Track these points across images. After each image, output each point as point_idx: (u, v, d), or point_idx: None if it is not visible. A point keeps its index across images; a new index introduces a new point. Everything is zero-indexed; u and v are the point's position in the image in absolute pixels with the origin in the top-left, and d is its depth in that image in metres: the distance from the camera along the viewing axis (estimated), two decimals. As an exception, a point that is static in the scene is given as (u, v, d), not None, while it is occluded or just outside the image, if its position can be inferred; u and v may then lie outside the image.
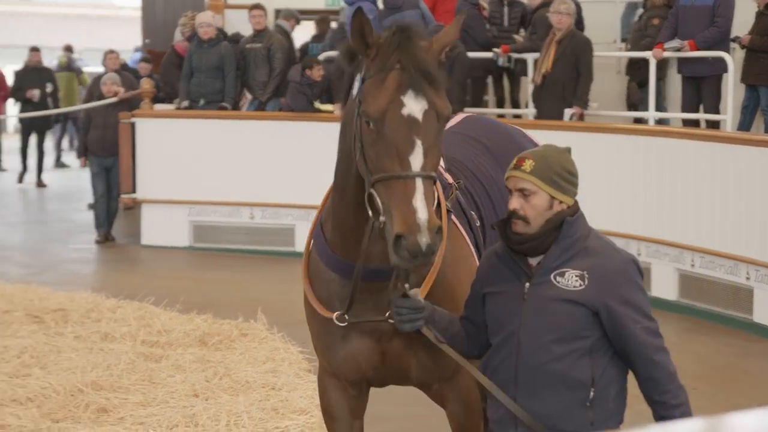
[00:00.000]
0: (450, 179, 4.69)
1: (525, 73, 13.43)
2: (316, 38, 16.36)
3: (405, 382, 4.58)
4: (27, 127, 20.32)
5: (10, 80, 20.83)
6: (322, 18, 17.34)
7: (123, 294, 10.31)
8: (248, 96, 14.30)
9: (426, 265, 4.01)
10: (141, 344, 8.68)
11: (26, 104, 19.73)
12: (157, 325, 9.17)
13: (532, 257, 4.06)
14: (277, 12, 17.12)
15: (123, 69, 16.61)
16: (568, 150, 4.13)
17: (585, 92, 12.05)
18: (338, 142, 4.30)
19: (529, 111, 12.92)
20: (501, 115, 13.80)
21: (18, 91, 19.95)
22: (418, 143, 3.90)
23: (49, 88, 20.17)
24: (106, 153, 13.91)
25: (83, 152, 14.39)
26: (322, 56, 14.18)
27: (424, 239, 3.75)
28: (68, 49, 23.06)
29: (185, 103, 13.97)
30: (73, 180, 20.39)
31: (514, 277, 4.08)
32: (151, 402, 7.23)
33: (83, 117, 14.84)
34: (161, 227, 13.64)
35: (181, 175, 13.48)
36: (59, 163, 23.28)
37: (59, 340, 8.74)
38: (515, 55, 13.39)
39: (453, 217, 4.57)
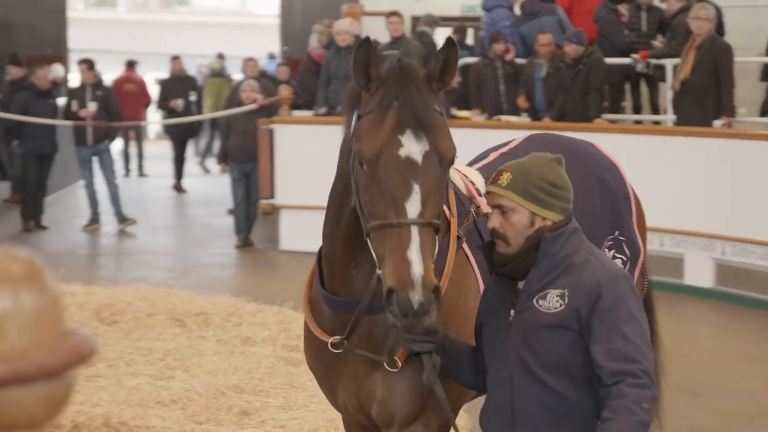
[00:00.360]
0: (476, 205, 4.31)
1: (663, 79, 13.26)
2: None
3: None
4: (173, 135, 20.60)
5: (152, 88, 21.26)
6: (459, 26, 17.38)
7: (262, 298, 10.43)
8: (385, 103, 14.40)
9: (420, 327, 3.50)
10: (281, 348, 8.78)
11: (171, 112, 20.10)
12: (297, 329, 9.25)
13: (520, 281, 3.71)
14: (414, 19, 17.20)
15: (262, 76, 16.85)
16: (557, 160, 3.72)
17: (729, 100, 11.83)
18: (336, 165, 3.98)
19: (668, 117, 12.76)
20: (638, 121, 13.67)
21: (163, 101, 20.35)
22: (416, 188, 3.55)
23: (192, 96, 20.54)
24: (246, 159, 14.10)
25: (223, 158, 14.64)
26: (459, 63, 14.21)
27: (416, 297, 3.38)
28: (221, 56, 23.40)
29: (323, 110, 14.11)
30: (213, 186, 20.72)
31: (502, 305, 3.75)
32: (292, 406, 7.31)
33: (223, 124, 15.08)
34: (299, 232, 13.79)
35: (319, 181, 13.50)
36: (203, 168, 23.58)
37: (201, 344, 8.90)
38: (654, 61, 13.23)
39: (465, 245, 4.16)
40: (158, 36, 38.78)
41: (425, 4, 17.97)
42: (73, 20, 27.45)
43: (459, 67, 13.90)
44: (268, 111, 14.24)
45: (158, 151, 24.62)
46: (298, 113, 14.45)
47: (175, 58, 20.94)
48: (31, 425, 1.33)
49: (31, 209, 15.31)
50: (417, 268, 3.42)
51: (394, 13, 14.44)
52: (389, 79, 3.67)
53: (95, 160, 15.28)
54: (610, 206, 4.79)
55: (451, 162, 3.67)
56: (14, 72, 16.54)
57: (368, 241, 3.60)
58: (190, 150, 21.89)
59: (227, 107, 15.38)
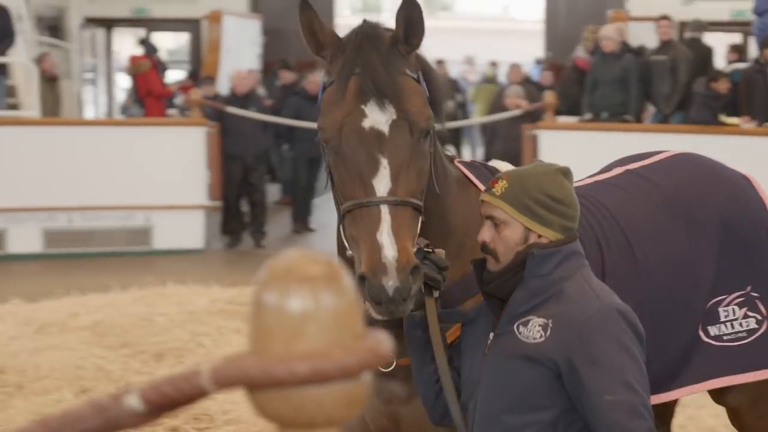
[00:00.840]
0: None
1: None
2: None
3: None
4: (439, 140, 20.78)
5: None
6: (735, 46, 16.97)
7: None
8: (651, 108, 14.15)
9: (400, 314, 3.15)
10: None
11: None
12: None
13: (506, 301, 3.28)
14: (681, 24, 16.85)
15: (526, 82, 16.84)
16: (562, 171, 3.27)
17: None
18: None
19: None
20: None
21: (429, 105, 20.57)
22: (384, 162, 3.20)
23: (458, 98, 20.70)
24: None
25: (486, 163, 14.70)
26: (728, 68, 13.83)
27: (390, 282, 3.04)
28: (493, 63, 23.55)
29: (588, 116, 14.00)
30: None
31: (485, 327, 3.32)
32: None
33: (488, 129, 15.14)
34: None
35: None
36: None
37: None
38: None
39: None
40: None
41: (693, 8, 17.59)
42: (341, 26, 28.05)
43: (728, 73, 13.59)
44: (532, 116, 14.22)
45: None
46: (562, 119, 14.37)
47: (439, 62, 21.16)
48: (329, 424, 1.37)
49: (301, 211, 15.74)
50: (389, 250, 3.08)
51: (665, 17, 14.20)
52: (349, 45, 3.33)
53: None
54: (740, 257, 4.04)
55: (425, 130, 3.30)
56: (286, 77, 17.03)
57: (341, 227, 3.31)
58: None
59: (492, 112, 15.44)
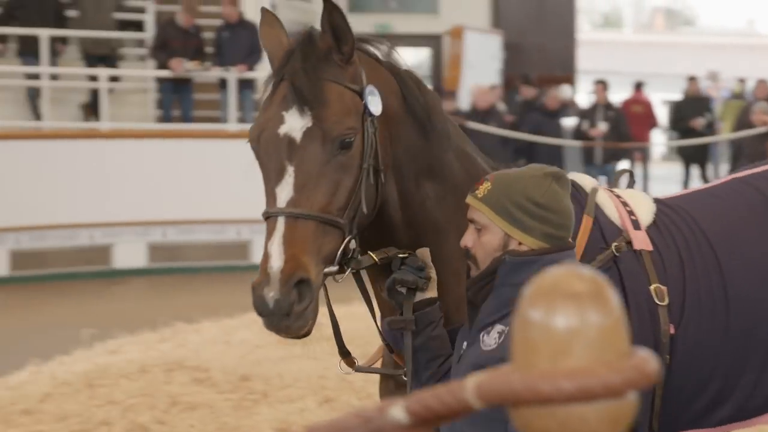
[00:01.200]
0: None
1: None
2: None
3: None
4: (687, 157, 20.40)
5: (659, 110, 21.17)
6: None
7: None
8: None
9: (288, 332, 3.03)
10: None
11: (687, 133, 19.91)
12: None
13: None
14: None
15: (774, 98, 16.34)
16: (553, 175, 3.06)
17: None
18: None
19: None
20: None
21: (679, 121, 20.20)
22: (289, 170, 3.08)
23: (707, 117, 20.26)
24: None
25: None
26: None
27: (271, 293, 2.94)
28: (741, 80, 23.00)
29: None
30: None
31: (464, 336, 3.17)
32: None
33: (734, 146, 14.76)
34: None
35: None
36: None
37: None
38: None
39: None
40: (664, 57, 38.57)
41: None
42: (581, 42, 27.85)
43: None
44: (781, 133, 13.78)
45: (663, 172, 24.51)
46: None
47: (692, 79, 20.73)
48: (591, 441, 1.35)
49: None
50: (275, 261, 2.96)
51: None
52: (286, 51, 3.24)
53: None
54: None
55: (340, 139, 3.11)
56: (526, 92, 17.03)
57: None
58: (696, 172, 21.61)
59: (738, 129, 15.04)
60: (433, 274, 3.31)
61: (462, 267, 3.26)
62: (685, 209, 3.75)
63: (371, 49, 3.42)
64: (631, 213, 3.61)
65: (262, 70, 15.76)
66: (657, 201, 3.79)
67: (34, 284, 11.78)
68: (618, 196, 3.68)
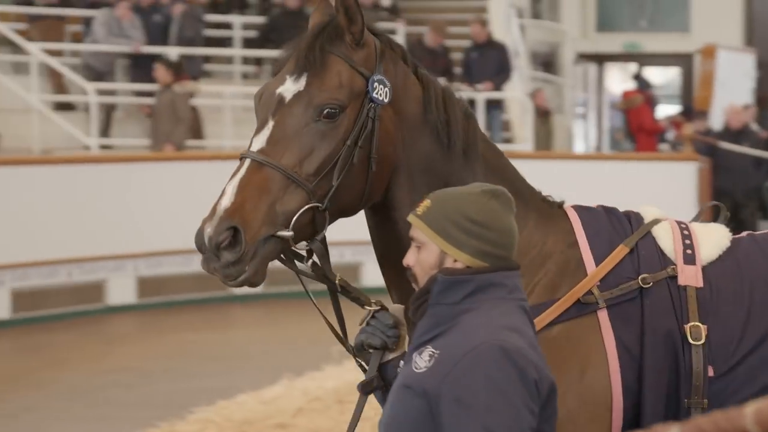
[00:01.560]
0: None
1: None
2: None
3: None
4: None
5: None
6: None
7: None
8: None
9: (224, 276, 3.09)
10: None
11: None
12: None
13: None
14: None
15: None
16: (492, 193, 2.99)
17: None
18: None
19: None
20: None
21: None
22: (269, 125, 3.21)
23: None
24: None
25: None
26: None
27: (209, 229, 3.03)
28: None
29: None
30: None
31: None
32: None
33: None
34: None
35: None
36: None
37: None
38: None
39: (601, 314, 3.31)
40: None
41: None
42: None
43: None
44: None
45: None
46: None
47: None
48: None
49: None
50: (224, 200, 3.07)
51: None
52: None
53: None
54: None
55: (323, 108, 3.21)
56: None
57: None
58: None
59: None
60: (403, 331, 3.27)
61: None
62: None
63: (404, 51, 3.50)
64: (688, 247, 3.46)
65: (511, 90, 15.82)
66: (746, 237, 3.59)
67: (287, 300, 12.09)
68: (685, 230, 3.53)
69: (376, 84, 3.30)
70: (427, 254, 2.99)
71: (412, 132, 3.38)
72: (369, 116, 3.27)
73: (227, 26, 17.18)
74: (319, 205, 3.20)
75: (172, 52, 15.29)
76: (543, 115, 16.60)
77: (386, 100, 3.31)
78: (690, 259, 3.42)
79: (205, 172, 11.50)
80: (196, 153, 14.30)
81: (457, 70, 15.55)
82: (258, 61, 16.97)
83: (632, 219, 3.53)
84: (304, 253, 3.28)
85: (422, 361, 2.89)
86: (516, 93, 16.02)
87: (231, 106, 15.06)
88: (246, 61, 17.07)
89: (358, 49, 3.33)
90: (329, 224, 3.26)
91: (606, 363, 3.27)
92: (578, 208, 3.57)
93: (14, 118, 14.29)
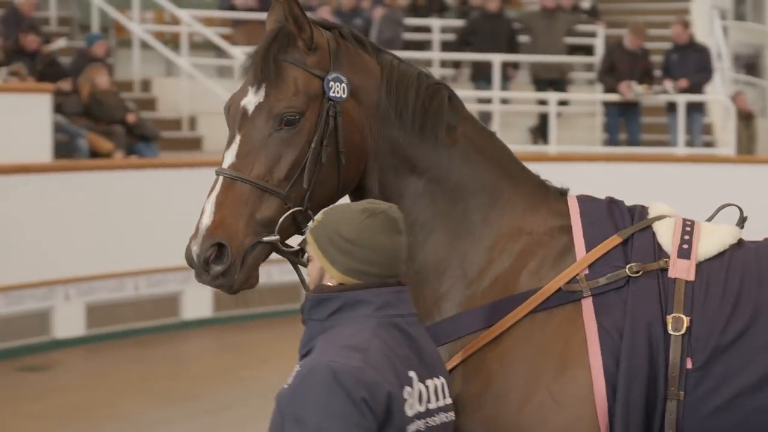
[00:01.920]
0: None
1: None
2: None
3: None
4: None
5: None
6: None
7: None
8: None
9: (218, 287, 3.29)
10: None
11: None
12: None
13: None
14: None
15: None
16: (370, 211, 3.08)
17: None
18: None
19: None
20: None
21: None
22: (237, 139, 3.34)
23: None
24: None
25: None
26: None
27: (194, 247, 3.22)
28: None
29: None
30: None
31: None
32: None
33: None
34: None
35: None
36: None
37: None
38: None
39: (586, 302, 3.31)
40: None
41: None
42: None
43: None
44: None
45: None
46: None
47: None
48: None
49: None
50: (205, 218, 3.25)
51: None
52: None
53: None
54: None
55: (283, 117, 3.34)
56: None
57: None
58: None
59: None
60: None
61: (443, 263, 3.43)
62: None
63: (363, 39, 3.59)
64: (685, 242, 3.46)
65: (713, 93, 15.49)
66: (751, 242, 3.54)
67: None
68: (688, 227, 3.52)
69: (331, 83, 3.41)
70: (312, 268, 3.13)
71: (375, 118, 3.48)
72: (330, 114, 3.39)
73: (426, 29, 17.31)
74: (300, 208, 3.35)
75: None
76: (746, 118, 16.17)
77: (345, 95, 3.42)
78: (685, 254, 3.43)
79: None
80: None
81: (657, 72, 15.29)
82: (456, 65, 17.03)
83: (636, 213, 3.56)
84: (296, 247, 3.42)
85: (290, 377, 3.00)
86: (718, 96, 15.67)
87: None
88: (444, 64, 17.15)
89: (311, 52, 3.44)
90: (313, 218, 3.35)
91: (586, 350, 3.29)
92: (580, 198, 3.61)
93: (218, 121, 14.68)
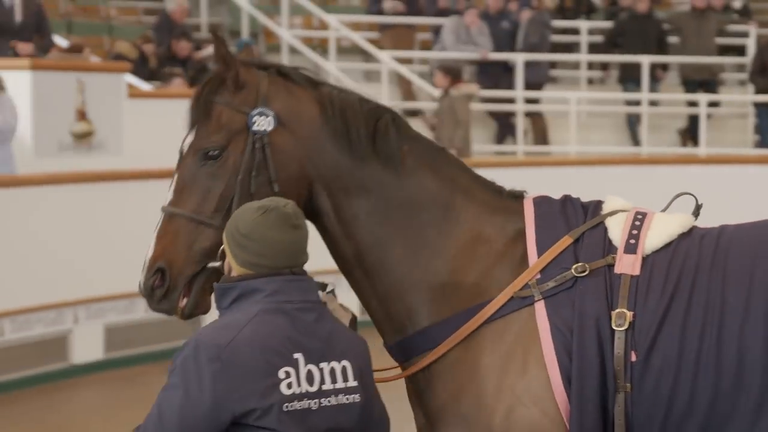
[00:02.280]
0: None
1: None
2: None
3: None
4: None
5: None
6: None
7: None
8: None
9: (164, 311, 3.57)
10: None
11: None
12: None
13: None
14: None
15: None
16: (263, 208, 3.34)
17: None
18: None
19: None
20: None
21: None
22: (175, 177, 3.62)
23: None
24: None
25: None
26: None
27: (141, 278, 3.55)
28: None
29: None
30: None
31: None
32: None
33: None
34: None
35: None
36: None
37: None
38: None
39: (539, 305, 3.42)
40: None
41: None
42: None
43: None
44: None
45: None
46: None
47: None
48: None
49: None
50: (149, 251, 3.54)
51: None
52: None
53: None
54: None
55: (205, 152, 3.59)
56: None
57: None
58: None
59: None
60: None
61: (406, 278, 3.56)
62: (727, 243, 3.52)
63: (299, 73, 3.73)
64: (633, 237, 3.53)
65: None
66: (702, 230, 3.60)
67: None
68: (638, 220, 3.58)
69: (255, 117, 3.60)
70: (225, 262, 3.41)
71: (314, 147, 3.62)
72: (256, 147, 3.58)
73: (574, 31, 17.19)
74: None
75: (518, 58, 15.45)
76: None
77: (269, 128, 3.60)
78: (631, 249, 3.51)
79: (550, 178, 11.53)
80: (541, 159, 14.40)
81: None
82: (604, 66, 16.88)
83: (589, 210, 3.63)
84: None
85: None
86: None
87: (576, 112, 15.06)
88: (591, 66, 17.01)
89: (239, 91, 3.63)
90: None
91: (542, 352, 3.42)
92: (536, 200, 3.67)
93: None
